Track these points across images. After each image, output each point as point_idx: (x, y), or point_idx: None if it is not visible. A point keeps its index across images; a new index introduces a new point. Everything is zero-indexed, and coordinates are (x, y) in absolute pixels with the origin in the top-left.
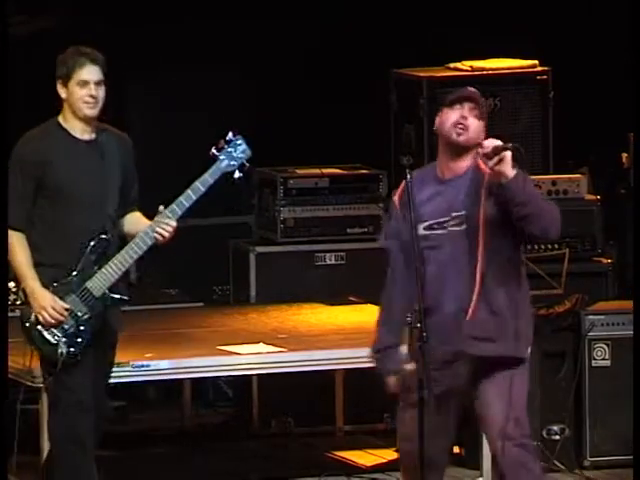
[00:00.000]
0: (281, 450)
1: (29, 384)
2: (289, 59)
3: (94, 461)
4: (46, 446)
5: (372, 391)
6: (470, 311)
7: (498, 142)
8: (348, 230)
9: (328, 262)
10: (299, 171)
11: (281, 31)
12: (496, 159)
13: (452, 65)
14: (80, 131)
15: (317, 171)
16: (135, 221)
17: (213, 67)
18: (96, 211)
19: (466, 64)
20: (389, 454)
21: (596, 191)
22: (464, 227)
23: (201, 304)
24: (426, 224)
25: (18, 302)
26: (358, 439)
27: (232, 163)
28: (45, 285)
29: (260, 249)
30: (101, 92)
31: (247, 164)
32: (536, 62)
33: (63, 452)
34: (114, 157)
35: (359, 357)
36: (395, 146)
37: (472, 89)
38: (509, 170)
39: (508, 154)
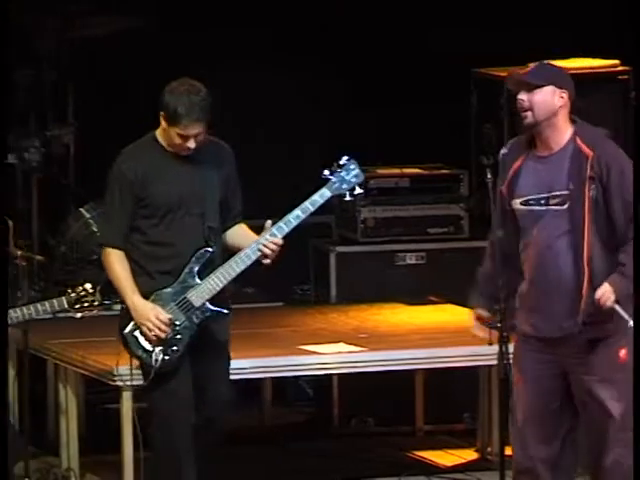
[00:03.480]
0: (361, 450)
1: (111, 383)
2: (371, 58)
3: (193, 467)
4: (127, 445)
5: (452, 391)
6: (584, 293)
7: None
8: (428, 230)
9: (408, 262)
10: (380, 171)
11: (364, 30)
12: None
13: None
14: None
15: (398, 171)
16: (241, 233)
17: (293, 66)
18: (196, 224)
19: None
20: (469, 454)
21: None
22: (566, 206)
23: (281, 304)
24: (522, 199)
25: (96, 303)
26: (438, 439)
27: (344, 186)
28: (145, 295)
29: (340, 249)
30: (200, 138)
31: (358, 188)
32: (617, 62)
33: (161, 460)
34: (212, 169)
35: (439, 357)
36: (475, 146)
37: (513, 74)
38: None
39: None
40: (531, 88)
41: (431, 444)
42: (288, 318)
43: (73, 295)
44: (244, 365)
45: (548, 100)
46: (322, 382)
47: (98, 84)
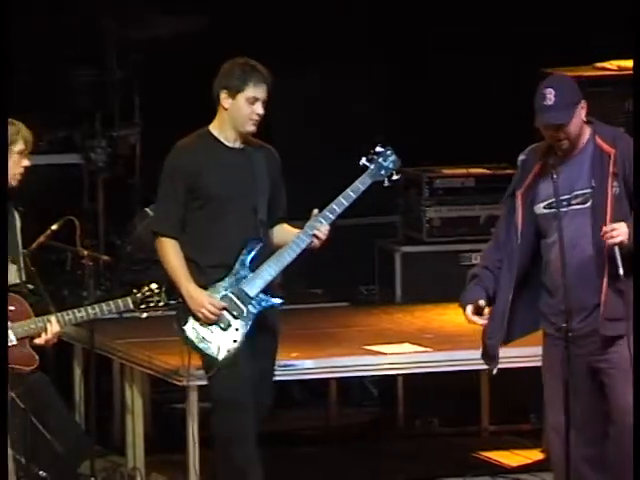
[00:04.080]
0: (425, 450)
1: (177, 383)
2: (436, 57)
3: (257, 460)
4: (192, 445)
5: (518, 391)
6: (603, 291)
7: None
8: (494, 230)
9: (474, 262)
10: (445, 171)
11: (427, 28)
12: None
13: (599, 65)
14: (232, 140)
15: (463, 171)
16: (284, 231)
17: (365, 65)
18: (248, 216)
19: (613, 64)
20: (535, 454)
21: None
22: (588, 205)
23: (346, 304)
24: (545, 202)
25: (161, 303)
26: (504, 439)
27: (382, 172)
28: (200, 286)
29: (406, 249)
30: (262, 109)
31: (396, 174)
32: None
33: (224, 452)
34: (262, 167)
35: (505, 357)
36: None
37: (546, 118)
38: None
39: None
40: (560, 124)
41: (497, 444)
42: (353, 318)
43: (138, 295)
44: (310, 365)
45: (578, 121)
46: (387, 382)
47: (164, 84)
